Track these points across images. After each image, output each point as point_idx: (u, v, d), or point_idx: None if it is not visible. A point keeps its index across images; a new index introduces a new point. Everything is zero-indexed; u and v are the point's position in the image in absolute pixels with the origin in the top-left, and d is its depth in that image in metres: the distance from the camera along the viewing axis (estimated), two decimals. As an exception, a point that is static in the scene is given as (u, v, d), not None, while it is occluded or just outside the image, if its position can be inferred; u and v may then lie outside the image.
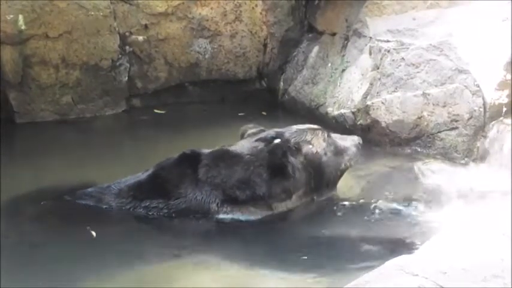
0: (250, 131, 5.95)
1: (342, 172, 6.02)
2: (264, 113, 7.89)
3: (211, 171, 5.63)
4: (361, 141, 6.10)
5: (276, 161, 5.62)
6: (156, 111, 8.10)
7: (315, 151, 5.81)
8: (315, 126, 6.01)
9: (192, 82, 8.35)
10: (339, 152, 5.94)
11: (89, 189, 5.84)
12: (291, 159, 5.67)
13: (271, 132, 5.86)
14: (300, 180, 5.75)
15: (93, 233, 5.38)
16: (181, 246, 5.41)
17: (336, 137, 6.02)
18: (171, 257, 5.21)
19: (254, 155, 5.67)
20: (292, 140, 5.75)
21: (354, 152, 6.02)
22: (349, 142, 6.04)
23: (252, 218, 5.65)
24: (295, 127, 5.92)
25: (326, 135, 5.92)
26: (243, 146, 5.79)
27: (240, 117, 7.71)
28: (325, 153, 5.84)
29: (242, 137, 5.97)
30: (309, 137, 5.82)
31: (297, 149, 5.75)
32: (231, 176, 5.62)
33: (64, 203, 5.79)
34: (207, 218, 5.59)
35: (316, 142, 5.84)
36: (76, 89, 7.86)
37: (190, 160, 5.70)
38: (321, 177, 5.85)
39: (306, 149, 5.78)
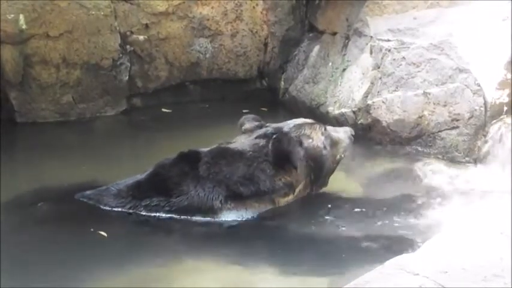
0: (246, 126, 5.97)
1: (338, 163, 6.10)
2: (264, 109, 7.88)
3: (212, 168, 5.64)
4: (353, 132, 6.21)
5: (282, 148, 5.66)
6: (164, 110, 8.10)
7: (316, 145, 5.87)
8: (310, 121, 6.07)
9: (193, 81, 8.35)
10: (334, 144, 6.02)
11: (87, 192, 5.82)
12: (296, 147, 5.70)
13: (269, 128, 5.89)
14: (301, 173, 5.78)
15: (104, 234, 5.37)
16: (181, 245, 5.42)
17: (330, 129, 6.09)
18: (171, 257, 5.21)
19: (257, 151, 5.71)
20: (292, 134, 5.79)
21: (348, 144, 6.13)
22: (343, 134, 6.14)
23: (256, 213, 5.66)
24: (291, 122, 5.97)
25: (323, 128, 5.97)
26: (243, 143, 5.82)
27: (241, 116, 7.68)
28: (324, 147, 5.89)
29: (241, 127, 6.01)
30: (307, 131, 5.88)
31: (298, 143, 5.78)
32: (233, 173, 5.64)
33: (62, 205, 5.79)
34: (210, 214, 5.59)
35: (315, 136, 5.89)
36: (77, 88, 7.85)
37: (190, 158, 5.70)
38: (321, 170, 5.91)
39: (306, 142, 5.82)
